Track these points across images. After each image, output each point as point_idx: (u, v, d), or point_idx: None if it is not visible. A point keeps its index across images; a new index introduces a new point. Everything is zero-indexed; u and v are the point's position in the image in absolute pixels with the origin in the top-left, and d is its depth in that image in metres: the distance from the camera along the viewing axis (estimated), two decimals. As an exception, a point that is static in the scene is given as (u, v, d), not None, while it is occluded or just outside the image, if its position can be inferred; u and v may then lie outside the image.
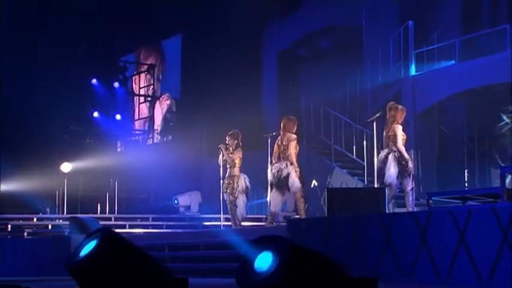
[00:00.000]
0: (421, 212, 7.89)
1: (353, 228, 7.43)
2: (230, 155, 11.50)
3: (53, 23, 19.95)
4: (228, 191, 11.48)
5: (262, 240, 3.64)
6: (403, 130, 10.15)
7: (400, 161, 9.89)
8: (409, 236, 6.86)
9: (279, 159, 10.84)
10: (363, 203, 8.38)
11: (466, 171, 14.77)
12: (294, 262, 3.41)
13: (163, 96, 23.22)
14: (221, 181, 11.65)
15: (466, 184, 14.56)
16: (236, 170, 11.50)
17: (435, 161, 15.09)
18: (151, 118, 23.38)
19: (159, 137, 23.07)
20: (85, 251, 3.94)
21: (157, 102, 23.34)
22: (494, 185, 13.30)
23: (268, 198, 11.11)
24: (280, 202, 10.94)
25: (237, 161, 11.52)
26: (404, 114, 10.35)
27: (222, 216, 12.06)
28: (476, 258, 6.22)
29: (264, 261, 3.55)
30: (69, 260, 4.02)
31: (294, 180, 10.62)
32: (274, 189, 10.80)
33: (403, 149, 9.94)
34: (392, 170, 9.86)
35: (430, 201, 7.82)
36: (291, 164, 10.71)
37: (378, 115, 10.55)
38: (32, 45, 19.90)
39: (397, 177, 9.89)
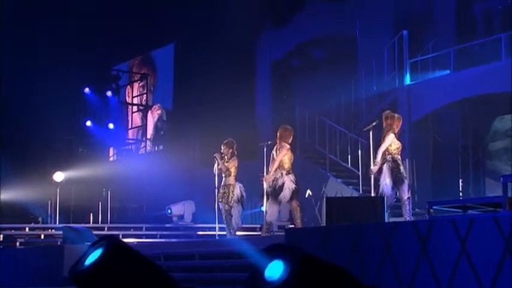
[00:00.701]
0: (421, 221, 7.83)
1: (352, 238, 7.37)
2: (225, 164, 11.45)
3: (53, 23, 19.88)
4: (223, 200, 11.42)
5: (272, 248, 3.59)
6: (398, 139, 10.11)
7: (395, 170, 9.84)
8: (409, 245, 6.80)
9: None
10: (362, 212, 8.32)
11: (460, 180, 14.78)
12: (305, 271, 3.36)
13: (154, 106, 23.18)
14: (216, 190, 11.59)
15: (461, 194, 14.57)
16: (231, 179, 11.46)
17: (430, 170, 15.08)
18: (144, 127, 23.32)
19: (151, 145, 23.01)
20: (90, 259, 3.87)
21: (149, 112, 23.30)
22: (488, 195, 13.32)
23: (263, 208, 11.06)
24: (276, 212, 10.89)
25: (233, 170, 11.48)
26: (401, 123, 10.31)
27: (217, 225, 11.98)
28: (477, 267, 6.16)
29: (274, 270, 3.50)
30: (74, 269, 3.93)
31: (284, 190, 10.56)
32: (270, 199, 10.74)
33: (380, 153, 9.85)
34: (387, 180, 9.81)
35: (431, 210, 7.78)
36: (287, 173, 10.65)
37: (374, 124, 10.53)
38: (32, 45, 19.81)
39: (393, 187, 9.84)
